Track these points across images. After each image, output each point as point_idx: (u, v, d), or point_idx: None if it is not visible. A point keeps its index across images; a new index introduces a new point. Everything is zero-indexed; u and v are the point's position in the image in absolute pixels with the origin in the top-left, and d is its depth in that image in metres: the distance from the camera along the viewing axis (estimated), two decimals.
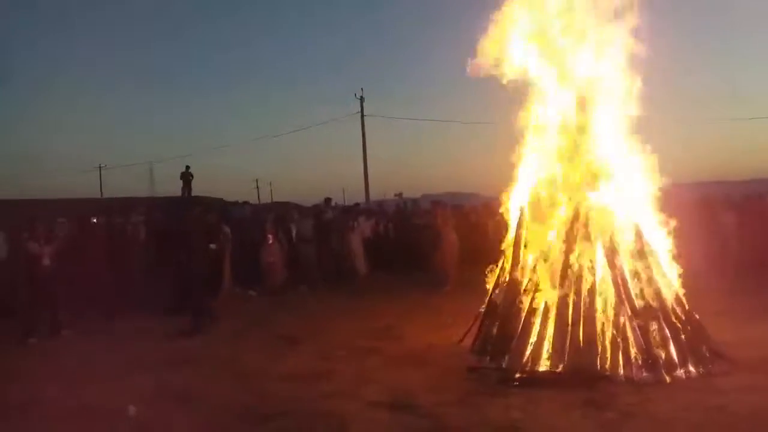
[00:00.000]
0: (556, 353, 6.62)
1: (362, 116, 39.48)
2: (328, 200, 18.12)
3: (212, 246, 11.93)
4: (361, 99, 39.30)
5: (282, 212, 16.71)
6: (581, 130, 7.44)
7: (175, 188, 30.51)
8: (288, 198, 37.97)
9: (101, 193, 48.91)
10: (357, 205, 20.42)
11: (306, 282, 13.93)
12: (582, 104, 7.46)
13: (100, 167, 56.03)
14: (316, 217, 15.05)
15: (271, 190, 64.23)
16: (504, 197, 8.04)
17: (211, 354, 8.34)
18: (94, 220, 13.16)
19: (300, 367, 7.47)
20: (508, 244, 7.83)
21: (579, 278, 6.90)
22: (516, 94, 7.69)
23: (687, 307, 7.08)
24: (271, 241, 13.98)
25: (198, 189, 31.09)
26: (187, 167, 30.63)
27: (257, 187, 62.72)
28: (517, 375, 6.50)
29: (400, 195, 14.30)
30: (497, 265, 7.96)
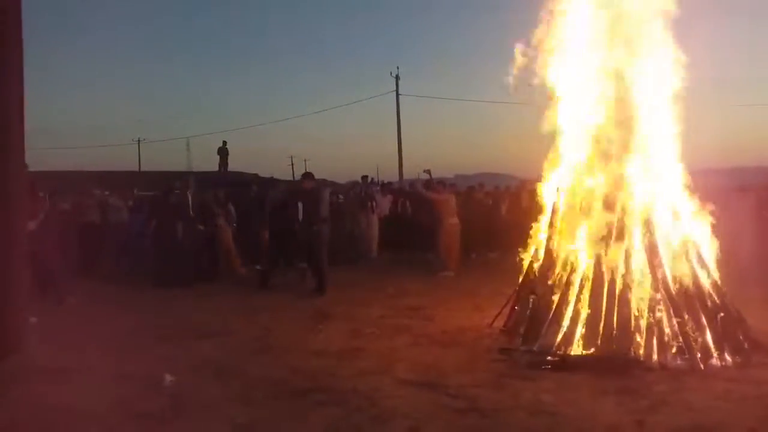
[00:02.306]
0: (589, 338, 6.56)
1: (397, 95, 39.41)
2: (364, 178, 18.11)
3: (201, 227, 12.13)
4: (397, 77, 39.19)
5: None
6: (619, 109, 7.30)
7: (212, 164, 30.85)
8: (323, 175, 38.04)
9: (139, 166, 49.69)
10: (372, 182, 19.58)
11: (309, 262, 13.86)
12: (620, 85, 7.32)
13: (138, 141, 56.86)
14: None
15: (306, 167, 64.52)
16: (539, 179, 7.97)
17: (243, 328, 8.45)
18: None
19: (331, 344, 7.53)
20: (542, 226, 7.76)
21: (614, 263, 6.81)
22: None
23: (725, 294, 6.95)
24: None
25: (235, 165, 31.40)
26: (224, 142, 30.94)
27: (292, 164, 63.09)
28: (549, 358, 6.47)
29: (428, 172, 14.05)
30: (531, 248, 7.91)
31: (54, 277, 9.58)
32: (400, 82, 39.30)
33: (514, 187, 17.65)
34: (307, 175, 11.65)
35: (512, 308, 7.70)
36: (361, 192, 16.14)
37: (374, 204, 15.60)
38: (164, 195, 12.49)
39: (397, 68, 40.19)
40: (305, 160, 68.32)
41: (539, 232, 7.81)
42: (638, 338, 6.42)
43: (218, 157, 30.58)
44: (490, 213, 15.75)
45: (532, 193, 11.16)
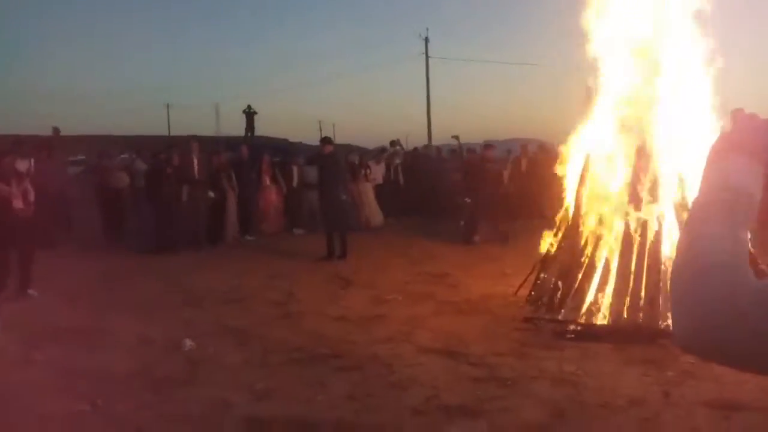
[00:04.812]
0: (616, 307, 6.41)
1: (426, 57, 38.88)
2: (393, 143, 17.89)
3: (210, 194, 12.01)
4: (426, 40, 38.65)
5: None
6: (651, 76, 7.05)
7: (242, 129, 30.81)
8: (351, 140, 37.92)
9: (169, 131, 49.97)
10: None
11: (303, 226, 13.72)
12: (652, 52, 7.06)
13: (167, 106, 57.15)
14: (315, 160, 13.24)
15: (334, 132, 64.32)
16: (568, 145, 7.75)
17: (265, 293, 8.45)
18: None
19: (353, 310, 7.49)
20: (570, 193, 7.57)
21: (644, 230, 6.62)
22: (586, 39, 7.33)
23: (759, 265, 6.72)
24: (267, 183, 13.59)
25: (262, 130, 31.33)
26: (249, 106, 30.81)
27: (320, 129, 62.91)
28: (573, 327, 6.34)
29: (457, 138, 13.80)
30: (557, 215, 7.73)
31: (29, 260, 8.21)
32: (429, 45, 38.82)
33: (514, 155, 17.29)
34: (326, 140, 11.52)
35: (537, 276, 7.55)
36: (355, 160, 15.69)
37: (368, 172, 15.34)
38: (165, 158, 12.22)
39: (427, 30, 39.51)
40: (333, 125, 68.31)
41: (565, 198, 7.61)
42: (667, 308, 6.25)
43: (245, 122, 30.53)
44: (494, 181, 15.52)
45: (533, 160, 10.89)
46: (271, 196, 13.60)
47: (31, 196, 7.98)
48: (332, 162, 11.00)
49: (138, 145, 19.29)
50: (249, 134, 30.08)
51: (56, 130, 15.84)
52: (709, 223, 0.94)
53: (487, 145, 13.66)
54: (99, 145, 17.22)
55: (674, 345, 1.10)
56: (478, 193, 12.34)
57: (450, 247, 11.74)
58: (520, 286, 7.77)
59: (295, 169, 14.23)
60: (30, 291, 8.11)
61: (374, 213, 14.91)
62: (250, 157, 13.56)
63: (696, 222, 0.97)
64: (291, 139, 31.53)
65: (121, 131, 37.24)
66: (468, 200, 12.39)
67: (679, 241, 0.99)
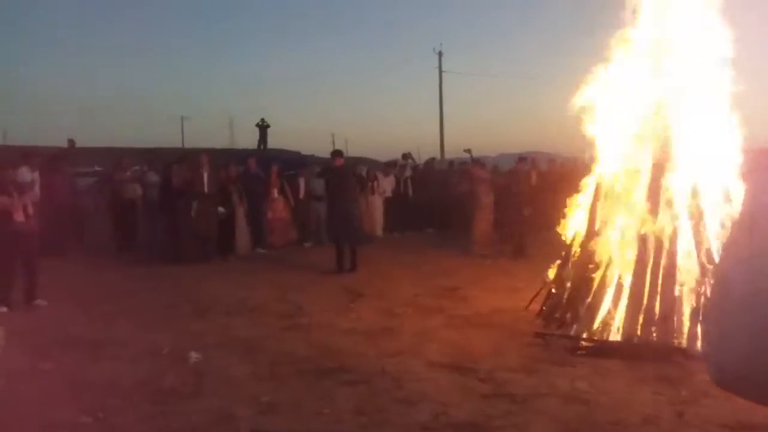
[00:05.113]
0: (629, 323, 6.29)
1: (440, 71, 38.97)
2: (405, 156, 17.85)
3: (221, 210, 11.95)
4: (440, 54, 38.75)
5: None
6: (667, 92, 6.97)
7: (255, 141, 30.91)
8: (364, 153, 37.95)
9: (182, 143, 50.27)
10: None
11: (311, 240, 13.77)
12: (669, 65, 6.98)
13: (182, 118, 57.56)
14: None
15: (347, 145, 64.47)
16: (584, 158, 7.67)
17: (274, 305, 8.38)
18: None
19: (362, 322, 7.42)
20: (583, 206, 7.48)
21: (659, 245, 6.51)
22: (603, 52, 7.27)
23: None
24: (275, 196, 13.50)
25: (275, 142, 31.45)
26: (262, 119, 30.97)
27: (333, 142, 63.07)
28: (584, 344, 6.23)
29: (469, 151, 13.75)
30: (570, 229, 7.63)
31: (34, 270, 8.16)
32: (443, 59, 38.89)
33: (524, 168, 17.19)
34: (337, 153, 11.50)
35: (549, 290, 7.45)
36: (363, 172, 15.62)
37: (376, 185, 15.30)
38: (170, 171, 12.19)
39: (441, 44, 39.61)
40: (345, 139, 68.51)
41: (579, 212, 7.52)
42: (681, 325, 6.13)
43: (257, 134, 30.68)
44: (502, 193, 15.44)
45: (542, 172, 10.80)
46: (279, 209, 13.54)
47: (30, 209, 7.93)
48: (343, 175, 10.98)
49: (152, 158, 19.38)
50: (262, 147, 30.21)
51: (71, 141, 15.94)
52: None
53: (476, 162, 13.56)
54: (114, 157, 17.31)
55: (712, 380, 1.00)
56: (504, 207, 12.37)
57: (460, 260, 11.67)
58: (532, 300, 7.67)
59: (302, 182, 14.22)
60: (37, 301, 8.05)
61: (377, 226, 14.87)
62: (262, 169, 13.54)
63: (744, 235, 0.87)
64: (303, 152, 31.52)
65: (136, 143, 37.48)
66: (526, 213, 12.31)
67: (729, 254, 0.89)
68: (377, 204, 15.05)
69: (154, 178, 13.12)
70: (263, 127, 30.61)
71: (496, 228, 12.70)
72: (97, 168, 20.65)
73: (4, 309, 7.78)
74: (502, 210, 12.60)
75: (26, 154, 9.73)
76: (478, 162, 13.56)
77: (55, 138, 29.37)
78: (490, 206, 12.59)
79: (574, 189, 7.81)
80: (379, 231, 14.95)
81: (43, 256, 8.45)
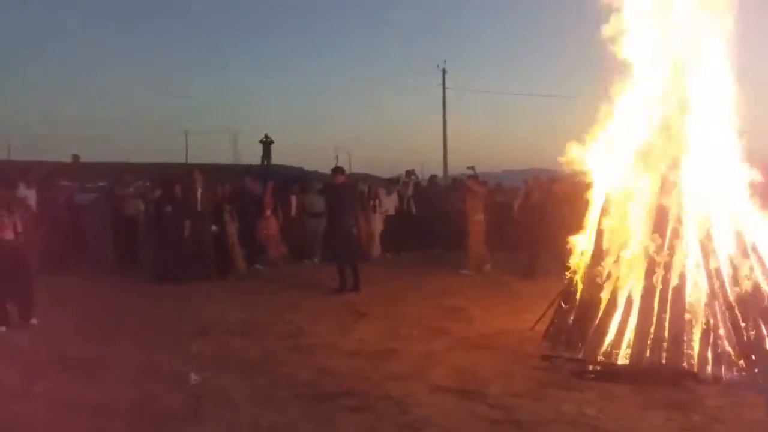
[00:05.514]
0: (638, 346, 6.14)
1: (444, 88, 39.03)
2: (408, 172, 17.75)
3: (214, 228, 11.78)
4: (443, 71, 38.82)
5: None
6: (675, 110, 6.87)
7: (258, 157, 30.85)
8: (367, 170, 37.95)
9: (186, 158, 50.38)
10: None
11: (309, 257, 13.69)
12: (677, 83, 6.90)
13: (186, 133, 57.70)
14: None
15: (350, 161, 64.51)
16: (588, 176, 7.54)
17: (276, 325, 8.24)
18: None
19: (366, 344, 7.27)
20: (590, 225, 7.35)
21: (668, 267, 6.37)
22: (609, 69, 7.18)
23: None
24: (268, 214, 13.33)
25: (279, 158, 31.39)
26: (266, 135, 30.91)
27: (336, 158, 63.12)
28: (592, 367, 6.08)
29: (472, 168, 13.66)
30: (576, 249, 7.50)
31: (27, 290, 8.01)
32: (447, 75, 38.95)
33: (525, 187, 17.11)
34: (338, 170, 11.40)
35: (556, 312, 7.31)
36: (365, 190, 15.47)
37: (378, 203, 15.17)
38: (168, 188, 12.06)
39: (444, 61, 39.67)
40: (349, 154, 68.48)
41: (586, 231, 7.39)
42: (691, 348, 5.99)
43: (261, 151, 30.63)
44: (502, 212, 15.29)
45: (544, 192, 10.74)
46: (272, 227, 13.41)
47: (20, 226, 7.79)
48: (343, 192, 10.86)
49: (156, 173, 19.31)
50: (265, 163, 30.13)
51: (76, 157, 15.95)
52: None
53: (473, 176, 13.42)
54: (117, 173, 17.27)
55: None
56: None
57: (465, 280, 11.53)
58: (537, 321, 7.54)
59: (293, 199, 14.08)
60: (33, 320, 7.90)
61: (375, 245, 14.73)
62: (263, 185, 13.44)
63: None
64: (307, 168, 31.54)
65: (139, 158, 37.56)
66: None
67: None
68: (377, 223, 14.89)
69: (157, 193, 13.02)
70: (267, 143, 30.53)
71: (489, 246, 12.59)
72: (101, 184, 20.61)
73: (3, 329, 7.65)
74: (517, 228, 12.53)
75: (23, 171, 9.64)
76: (474, 176, 13.44)
77: (59, 153, 29.40)
78: (482, 223, 12.50)
79: (580, 208, 7.69)
80: (376, 251, 14.77)
81: (44, 273, 8.34)
